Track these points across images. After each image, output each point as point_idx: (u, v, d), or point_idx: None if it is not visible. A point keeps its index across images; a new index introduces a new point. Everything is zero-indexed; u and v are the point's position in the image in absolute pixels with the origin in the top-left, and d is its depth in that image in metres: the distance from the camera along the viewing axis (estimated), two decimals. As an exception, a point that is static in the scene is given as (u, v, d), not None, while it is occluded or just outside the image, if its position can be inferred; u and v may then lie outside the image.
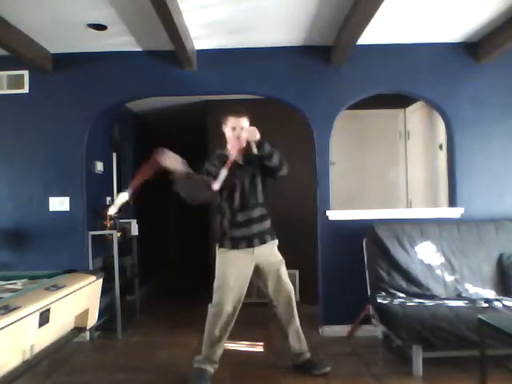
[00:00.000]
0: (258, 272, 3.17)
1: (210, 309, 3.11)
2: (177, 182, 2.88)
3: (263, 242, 3.13)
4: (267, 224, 3.18)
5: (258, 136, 2.95)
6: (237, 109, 3.12)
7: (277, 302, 3.21)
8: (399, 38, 4.06)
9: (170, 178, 2.90)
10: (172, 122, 7.01)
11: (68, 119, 4.19)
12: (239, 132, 3.03)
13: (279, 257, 3.23)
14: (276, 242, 3.23)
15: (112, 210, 3.07)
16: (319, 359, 3.33)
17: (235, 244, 3.07)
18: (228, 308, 3.04)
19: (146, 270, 6.05)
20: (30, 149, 4.18)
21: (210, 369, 3.05)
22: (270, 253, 3.18)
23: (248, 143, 3.00)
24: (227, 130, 3.10)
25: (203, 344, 3.10)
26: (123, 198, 2.95)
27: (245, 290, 3.12)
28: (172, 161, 2.85)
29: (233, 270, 3.05)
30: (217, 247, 3.15)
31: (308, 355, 3.29)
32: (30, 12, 3.36)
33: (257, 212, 3.12)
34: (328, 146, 4.17)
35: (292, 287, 3.26)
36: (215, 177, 2.88)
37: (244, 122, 3.07)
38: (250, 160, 3.11)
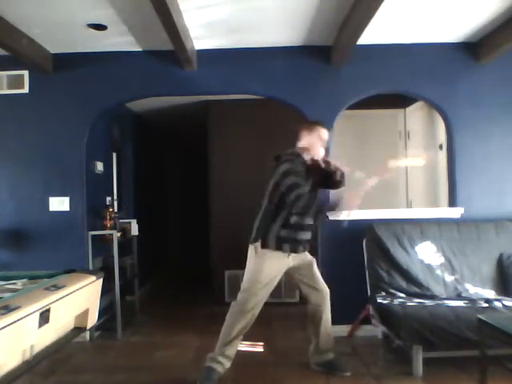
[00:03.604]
0: (292, 272, 3.20)
1: (235, 307, 3.09)
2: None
3: (304, 250, 3.21)
4: (311, 234, 3.26)
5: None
6: (321, 122, 3.37)
7: (313, 298, 3.25)
8: (399, 38, 4.06)
9: None
10: (172, 122, 7.01)
11: (68, 119, 4.20)
12: (323, 144, 3.24)
13: (310, 256, 3.30)
14: None
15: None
16: (341, 362, 3.32)
17: (279, 246, 3.05)
18: (254, 309, 3.06)
19: (145, 270, 6.06)
20: (30, 149, 4.19)
21: (220, 368, 3.04)
22: (303, 256, 3.24)
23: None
24: (314, 137, 3.20)
25: (220, 341, 3.08)
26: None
27: (269, 294, 3.14)
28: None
29: (267, 274, 3.05)
30: (256, 246, 3.08)
31: (332, 355, 3.30)
32: (30, 12, 3.36)
33: (310, 221, 3.17)
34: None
35: (325, 284, 3.30)
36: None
37: (328, 136, 3.29)
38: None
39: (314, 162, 3.18)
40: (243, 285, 3.12)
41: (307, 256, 3.27)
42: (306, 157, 3.18)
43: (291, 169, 3.02)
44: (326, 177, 3.26)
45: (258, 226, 3.12)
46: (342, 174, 3.26)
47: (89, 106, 4.22)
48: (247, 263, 3.13)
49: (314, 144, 3.20)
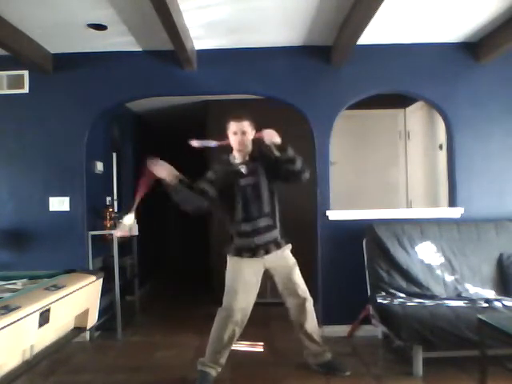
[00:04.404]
0: (269, 275, 3.16)
1: (219, 312, 3.09)
2: (171, 193, 2.93)
3: (267, 252, 3.07)
4: (273, 234, 3.10)
5: (277, 139, 2.91)
6: (238, 114, 3.09)
7: (290, 304, 3.20)
8: (399, 38, 4.06)
9: (164, 188, 2.93)
10: (172, 122, 7.01)
11: (68, 119, 4.19)
12: (240, 137, 3.04)
13: (290, 261, 3.17)
14: (286, 247, 3.16)
15: (118, 233, 3.06)
16: (340, 362, 3.31)
17: (239, 253, 3.06)
18: (236, 313, 3.02)
19: (145, 270, 6.06)
20: (30, 149, 4.18)
21: (213, 372, 3.05)
22: (278, 259, 3.12)
23: (267, 146, 2.96)
24: (229, 135, 3.08)
25: (209, 347, 3.08)
26: (129, 220, 3.01)
27: (253, 296, 3.09)
28: (164, 171, 2.90)
29: (240, 278, 3.04)
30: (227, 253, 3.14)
31: (328, 356, 3.28)
32: (30, 12, 3.35)
33: (261, 223, 3.04)
34: (328, 146, 4.17)
35: (306, 290, 3.20)
36: (215, 184, 2.95)
37: (246, 126, 3.04)
38: (255, 169, 3.07)
39: (251, 156, 3.08)
40: (225, 291, 3.11)
41: (288, 260, 3.16)
42: (237, 159, 3.11)
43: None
44: (277, 169, 3.01)
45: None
46: (303, 163, 2.99)
47: (89, 106, 4.22)
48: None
49: (232, 141, 3.07)
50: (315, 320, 3.28)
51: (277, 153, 2.93)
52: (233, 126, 3.05)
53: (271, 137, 2.91)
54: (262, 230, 3.05)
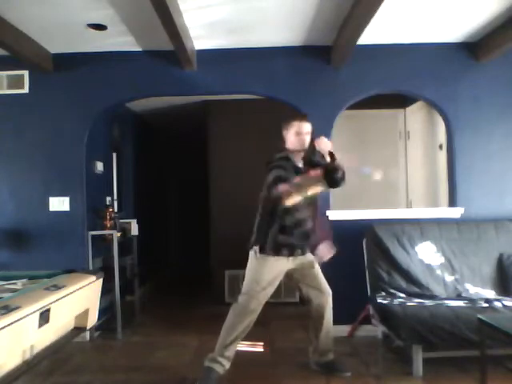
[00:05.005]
0: (293, 273, 3.18)
1: (236, 308, 3.10)
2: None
3: (302, 254, 3.15)
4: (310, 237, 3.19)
5: (330, 147, 2.97)
6: (301, 114, 3.15)
7: (314, 299, 3.23)
8: (399, 38, 4.06)
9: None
10: (172, 122, 7.01)
11: (68, 119, 4.20)
12: (304, 137, 3.09)
13: (311, 257, 3.25)
14: None
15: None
16: (341, 362, 3.32)
17: (278, 251, 3.05)
18: (254, 311, 3.06)
19: (145, 270, 6.06)
20: (30, 149, 4.19)
21: (220, 369, 3.04)
22: (304, 257, 3.19)
23: (319, 152, 3.03)
24: (290, 135, 3.11)
25: (220, 342, 3.08)
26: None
27: (270, 295, 3.13)
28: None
29: (267, 277, 3.06)
30: (254, 251, 3.10)
31: (332, 356, 3.30)
32: (30, 12, 3.35)
33: (307, 225, 3.12)
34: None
35: (327, 284, 3.27)
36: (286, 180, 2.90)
37: (308, 127, 3.11)
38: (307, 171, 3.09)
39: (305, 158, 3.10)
40: (243, 287, 3.12)
41: (308, 257, 3.24)
42: (295, 158, 3.12)
43: (281, 177, 2.94)
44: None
45: (257, 233, 3.12)
46: (344, 173, 3.12)
47: (89, 106, 4.22)
48: (248, 265, 3.13)
49: (295, 141, 3.10)
50: (331, 317, 3.30)
51: (328, 159, 3.01)
52: (297, 127, 3.09)
53: (326, 145, 2.97)
54: (305, 232, 3.12)
